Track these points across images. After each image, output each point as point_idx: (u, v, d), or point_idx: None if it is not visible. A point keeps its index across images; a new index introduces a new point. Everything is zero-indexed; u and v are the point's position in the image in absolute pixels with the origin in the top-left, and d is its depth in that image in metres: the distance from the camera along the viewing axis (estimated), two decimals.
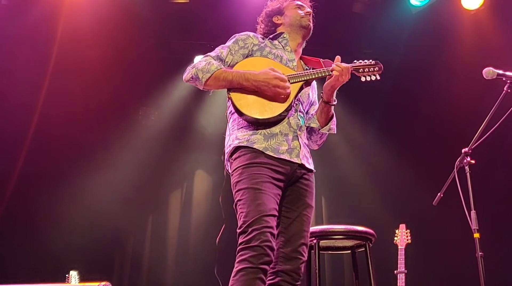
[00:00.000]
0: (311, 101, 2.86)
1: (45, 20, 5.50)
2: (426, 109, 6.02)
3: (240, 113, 2.58)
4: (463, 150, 2.90)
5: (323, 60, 2.81)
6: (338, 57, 2.70)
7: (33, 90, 5.65)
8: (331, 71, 2.65)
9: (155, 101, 6.39)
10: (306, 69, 2.89)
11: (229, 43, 2.77)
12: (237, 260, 2.36)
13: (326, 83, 2.69)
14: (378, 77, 2.75)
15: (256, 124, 2.58)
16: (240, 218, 2.43)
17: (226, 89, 2.65)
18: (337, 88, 2.70)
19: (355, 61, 2.75)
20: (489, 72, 2.89)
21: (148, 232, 6.35)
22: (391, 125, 6.22)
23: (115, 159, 6.01)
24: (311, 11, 2.92)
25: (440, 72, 5.91)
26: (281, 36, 2.86)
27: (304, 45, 2.95)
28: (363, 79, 2.74)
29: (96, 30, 5.60)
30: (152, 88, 6.28)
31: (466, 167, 2.87)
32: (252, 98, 2.58)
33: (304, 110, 2.78)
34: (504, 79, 2.89)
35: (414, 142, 6.11)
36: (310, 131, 2.84)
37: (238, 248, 2.38)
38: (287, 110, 2.60)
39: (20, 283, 3.78)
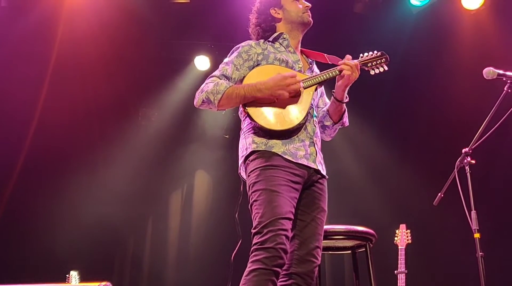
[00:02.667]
0: (318, 94, 2.83)
1: (45, 21, 5.49)
2: (426, 109, 6.02)
3: (261, 127, 2.53)
4: (463, 150, 2.90)
5: (327, 55, 2.78)
6: (348, 56, 2.67)
7: (33, 91, 5.65)
8: (339, 71, 2.63)
9: (155, 101, 6.39)
10: (310, 61, 2.85)
11: (231, 57, 2.68)
12: (250, 260, 2.35)
13: (338, 83, 2.67)
14: (386, 68, 2.74)
15: (273, 134, 2.54)
16: (256, 219, 2.42)
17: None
18: (349, 86, 2.68)
19: (361, 55, 2.73)
20: (489, 72, 2.88)
21: (149, 232, 6.36)
22: (391, 125, 6.22)
23: (115, 159, 6.02)
24: (310, 4, 2.83)
25: (441, 72, 5.91)
26: (281, 37, 2.78)
27: None
28: (372, 72, 2.73)
29: (96, 31, 5.59)
30: (152, 89, 6.28)
31: (467, 167, 2.86)
32: (269, 110, 2.54)
33: (315, 106, 2.77)
34: (504, 79, 2.88)
35: (415, 142, 6.11)
36: (324, 126, 2.83)
37: (252, 248, 2.37)
38: (305, 119, 2.58)
39: (20, 283, 3.77)
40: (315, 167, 2.59)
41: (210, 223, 6.22)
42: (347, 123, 2.85)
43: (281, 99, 2.53)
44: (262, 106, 2.54)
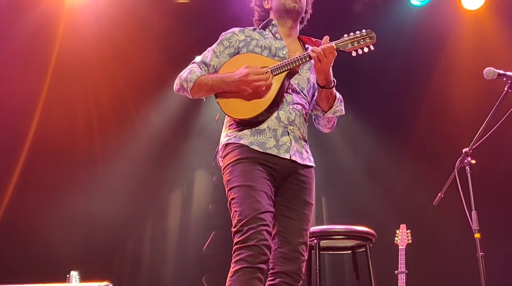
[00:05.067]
0: (313, 84, 2.70)
1: (46, 22, 5.49)
2: (426, 109, 6.02)
3: (229, 116, 2.60)
4: (463, 150, 2.90)
5: (314, 39, 2.68)
6: (326, 37, 2.52)
7: (33, 92, 5.65)
8: (308, 57, 2.49)
9: (155, 101, 6.38)
10: (306, 48, 2.74)
11: (214, 45, 2.73)
12: (233, 260, 2.31)
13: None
14: (372, 48, 2.49)
15: (243, 124, 2.56)
16: (234, 217, 2.38)
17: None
18: (327, 70, 2.50)
19: (345, 35, 2.50)
20: (489, 72, 2.88)
21: (148, 232, 6.35)
22: (391, 125, 6.21)
23: (115, 159, 6.01)
24: None
25: (441, 72, 5.91)
26: (271, 23, 2.77)
27: (298, 25, 2.80)
28: (354, 53, 2.52)
29: (96, 31, 5.59)
30: (152, 89, 6.28)
31: (467, 167, 2.86)
32: (237, 99, 2.54)
33: (306, 95, 2.67)
34: (504, 79, 2.88)
35: (415, 142, 6.10)
36: (317, 116, 2.76)
37: (234, 248, 2.33)
38: (273, 106, 2.52)
39: (20, 283, 3.78)
40: (288, 157, 2.51)
41: (210, 223, 6.21)
42: (343, 111, 2.69)
43: (244, 93, 2.51)
44: (231, 97, 2.55)
